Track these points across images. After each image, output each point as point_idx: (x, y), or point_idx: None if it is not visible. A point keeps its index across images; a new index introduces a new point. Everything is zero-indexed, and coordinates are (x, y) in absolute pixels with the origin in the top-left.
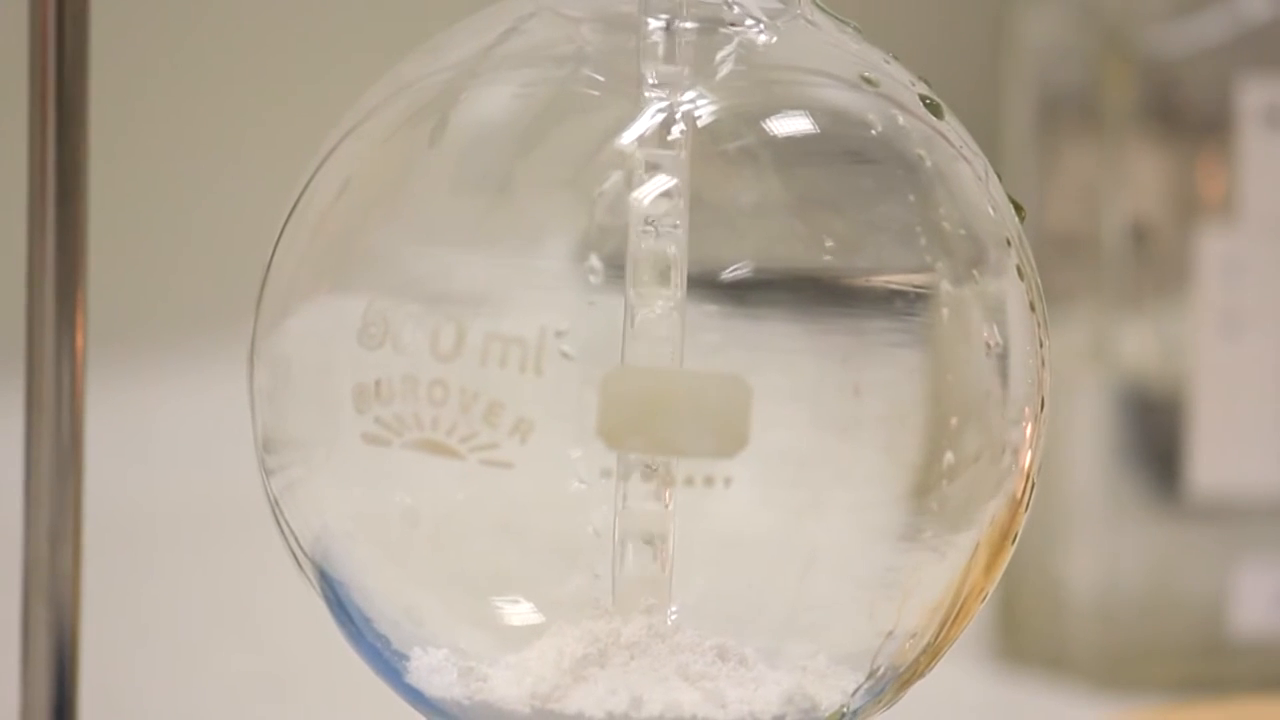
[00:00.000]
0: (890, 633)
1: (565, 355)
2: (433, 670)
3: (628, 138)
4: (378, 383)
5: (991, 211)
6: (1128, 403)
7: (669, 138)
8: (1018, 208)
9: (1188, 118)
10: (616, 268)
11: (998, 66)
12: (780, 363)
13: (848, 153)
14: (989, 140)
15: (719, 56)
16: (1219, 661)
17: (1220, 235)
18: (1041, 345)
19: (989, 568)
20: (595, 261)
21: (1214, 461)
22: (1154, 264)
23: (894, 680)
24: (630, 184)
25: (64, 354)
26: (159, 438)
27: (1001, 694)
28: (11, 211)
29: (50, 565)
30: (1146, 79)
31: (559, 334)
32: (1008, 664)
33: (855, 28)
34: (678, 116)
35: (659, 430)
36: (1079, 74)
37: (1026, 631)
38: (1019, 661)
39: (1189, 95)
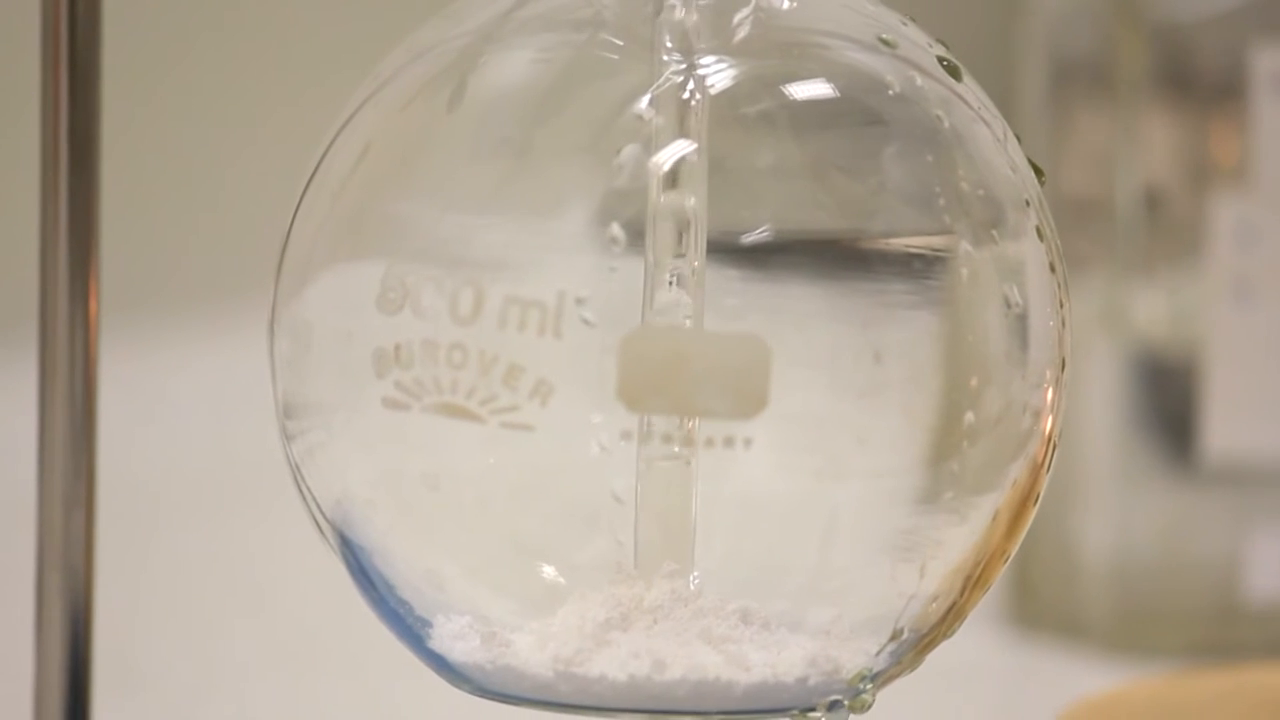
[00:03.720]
0: (912, 595)
1: (587, 322)
2: (455, 636)
3: (646, 102)
4: (397, 347)
5: (1010, 173)
6: (1141, 368)
7: (686, 102)
8: (1037, 171)
9: (1201, 83)
10: (636, 233)
11: (1011, 33)
12: (800, 327)
13: (866, 115)
14: (1002, 107)
15: (736, 19)
16: (1232, 626)
17: (1233, 200)
18: (1062, 306)
19: (1010, 530)
20: (616, 229)
21: (1227, 427)
22: (1167, 230)
23: (916, 643)
24: (649, 149)
25: (77, 322)
26: (172, 405)
27: (1015, 659)
28: (25, 180)
29: (64, 532)
30: (1159, 45)
31: (579, 300)
32: (1021, 629)
33: None
34: (695, 81)
35: (678, 391)
36: (1092, 40)
37: (1040, 596)
38: (1033, 626)
39: (1202, 61)
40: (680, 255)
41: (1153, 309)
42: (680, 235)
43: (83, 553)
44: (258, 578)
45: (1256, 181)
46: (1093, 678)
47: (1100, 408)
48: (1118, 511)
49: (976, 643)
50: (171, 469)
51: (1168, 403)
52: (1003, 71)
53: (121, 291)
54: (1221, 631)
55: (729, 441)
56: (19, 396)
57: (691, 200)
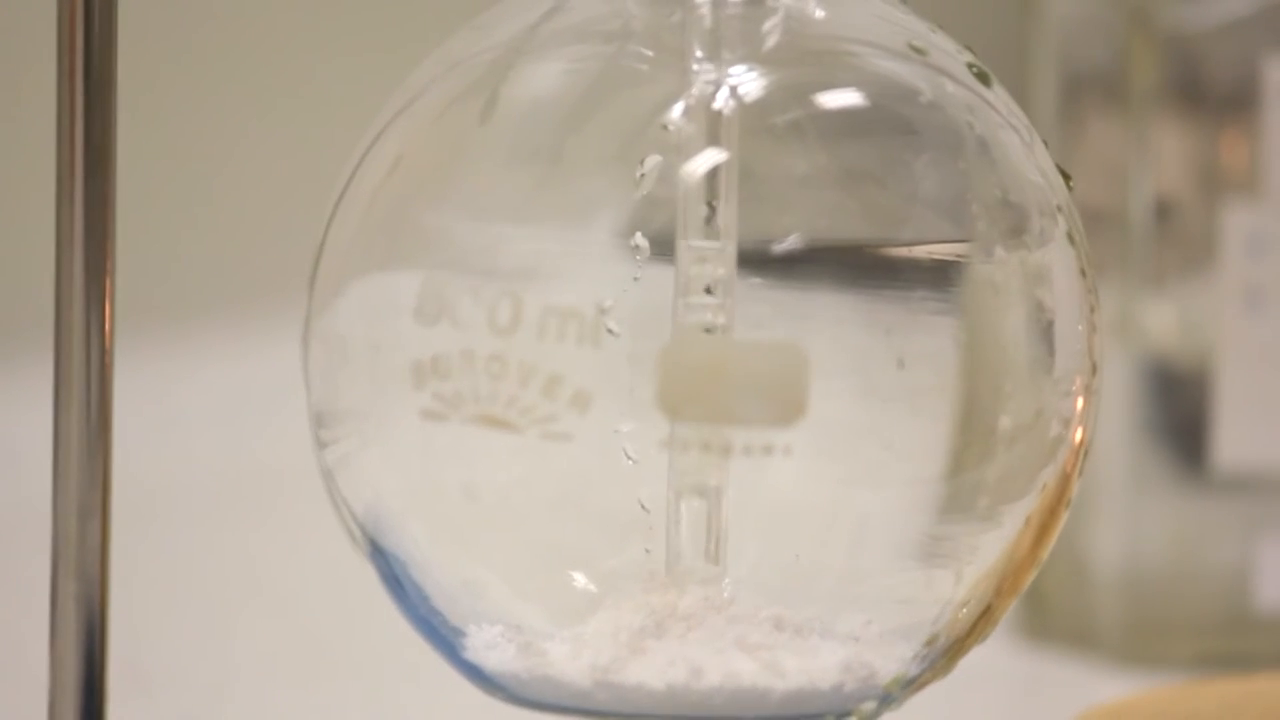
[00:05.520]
0: (946, 601)
1: (611, 332)
2: (489, 646)
3: (676, 112)
4: (435, 358)
5: (1040, 179)
6: (1153, 378)
7: (717, 112)
8: (1065, 176)
9: (1213, 93)
10: (661, 242)
11: (1024, 42)
12: (829, 334)
13: (896, 123)
14: None
15: (766, 28)
16: (1243, 636)
17: (1245, 210)
18: (1093, 312)
19: (1041, 536)
20: (639, 238)
21: (1238, 436)
22: (1178, 239)
23: (949, 648)
24: (679, 158)
25: (92, 329)
26: (187, 412)
27: (1026, 668)
28: (41, 187)
29: (79, 540)
30: (1172, 55)
31: (603, 310)
32: (1032, 637)
33: None
34: (725, 90)
35: (718, 400)
36: (1104, 50)
37: (1051, 606)
38: (1043, 635)
39: (1214, 71)
40: (709, 263)
41: (1164, 318)
42: (710, 243)
43: (98, 560)
44: (272, 584)
45: (1268, 191)
46: (1103, 686)
47: (1111, 417)
48: (1128, 520)
49: (987, 651)
50: (186, 476)
51: (1179, 412)
52: (1015, 81)
53: (137, 299)
54: (1232, 640)
55: (768, 449)
56: (34, 404)
57: (721, 208)
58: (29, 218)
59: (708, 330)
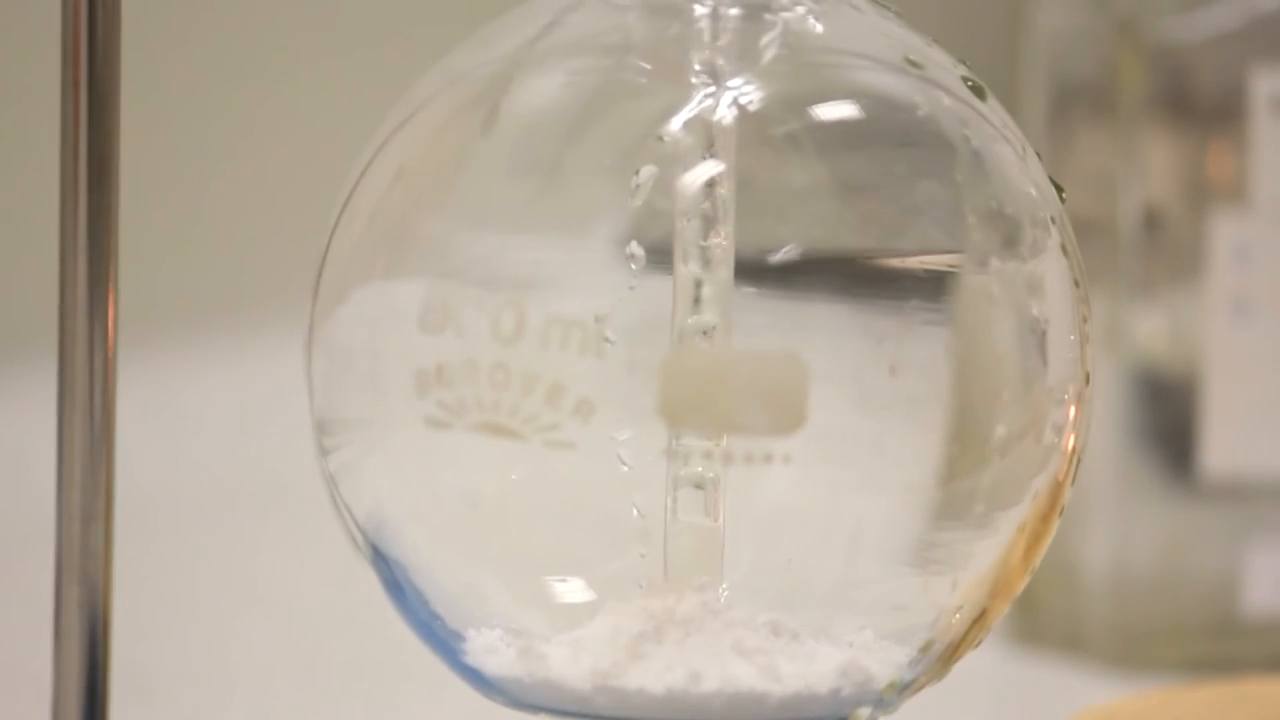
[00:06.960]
0: (940, 606)
1: (608, 340)
2: (488, 650)
3: (675, 124)
4: (439, 366)
5: (1033, 191)
6: (1141, 386)
7: (716, 123)
8: (1058, 188)
9: (1200, 105)
10: (661, 252)
11: (1013, 55)
12: (825, 344)
13: (893, 136)
14: None
15: (764, 41)
16: (1230, 641)
17: (1232, 221)
18: (1085, 322)
19: (1034, 544)
20: (635, 247)
21: (1226, 444)
22: (1167, 249)
23: (944, 653)
24: (678, 170)
25: (96, 335)
26: (190, 418)
27: (1015, 672)
28: (44, 195)
29: (82, 545)
30: (1159, 67)
31: (598, 319)
32: (1021, 643)
33: (895, 11)
34: (723, 103)
35: (718, 409)
36: (1093, 62)
37: (1040, 611)
38: (1033, 641)
39: (1201, 83)
40: (707, 273)
41: (1153, 327)
42: (707, 253)
43: (101, 565)
44: (274, 589)
45: (1255, 201)
46: (1092, 692)
47: (1101, 424)
48: (1117, 526)
49: (977, 657)
50: (189, 482)
51: (1167, 419)
52: (1005, 93)
53: (139, 307)
54: (1220, 646)
55: (768, 458)
56: (38, 411)
57: (719, 219)
58: (33, 226)
59: (706, 337)
